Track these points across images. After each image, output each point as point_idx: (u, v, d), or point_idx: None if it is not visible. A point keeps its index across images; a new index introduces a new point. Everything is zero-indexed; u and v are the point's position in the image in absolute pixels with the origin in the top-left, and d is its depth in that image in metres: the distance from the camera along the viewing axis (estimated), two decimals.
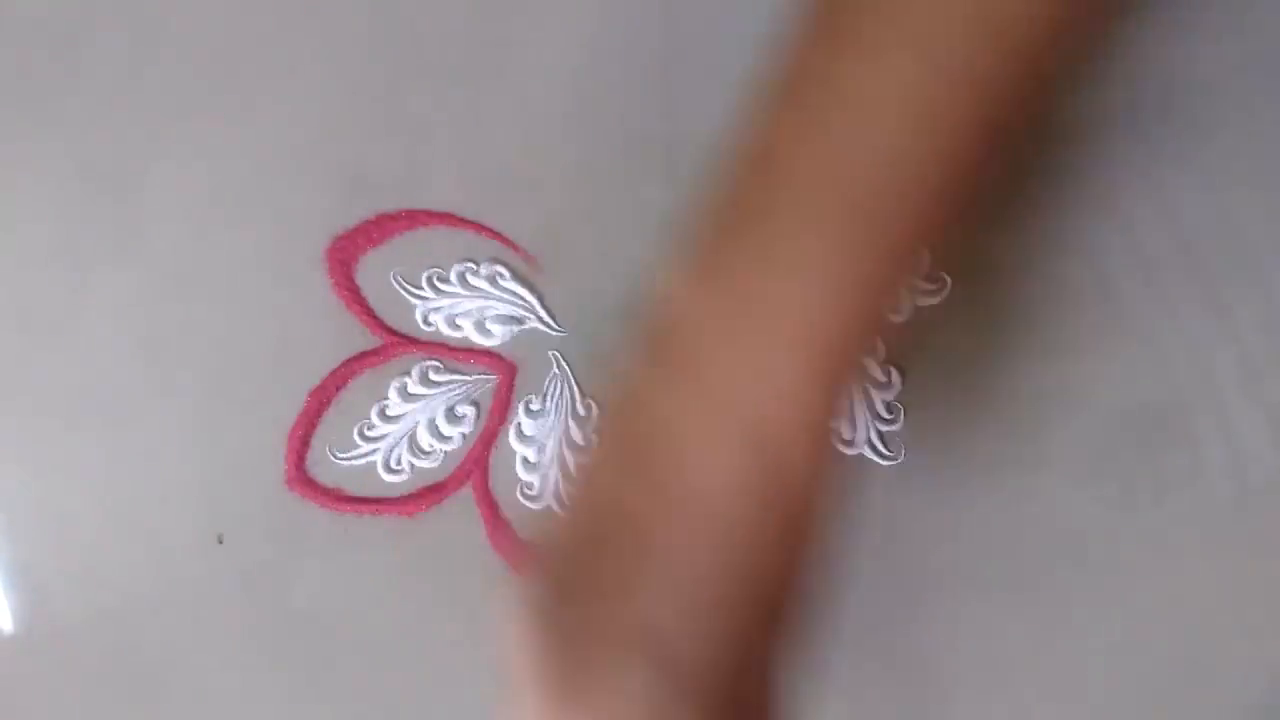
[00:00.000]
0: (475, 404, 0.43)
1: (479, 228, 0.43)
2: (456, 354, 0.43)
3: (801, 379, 0.30)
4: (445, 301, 0.43)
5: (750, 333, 0.30)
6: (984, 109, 0.30)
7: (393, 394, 0.42)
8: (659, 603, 0.30)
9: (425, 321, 0.43)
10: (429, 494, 0.42)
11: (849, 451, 0.43)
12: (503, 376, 0.43)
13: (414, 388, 0.43)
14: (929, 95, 0.30)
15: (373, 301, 0.43)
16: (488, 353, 0.43)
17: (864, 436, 0.43)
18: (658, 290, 0.32)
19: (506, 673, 0.33)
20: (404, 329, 0.43)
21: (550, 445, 0.43)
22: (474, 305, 0.43)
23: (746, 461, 0.30)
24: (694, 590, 0.30)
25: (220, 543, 0.42)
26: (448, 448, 0.42)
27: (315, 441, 0.42)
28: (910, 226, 0.31)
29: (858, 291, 0.30)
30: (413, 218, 0.43)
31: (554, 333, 0.43)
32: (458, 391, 0.43)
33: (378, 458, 0.42)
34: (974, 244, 0.43)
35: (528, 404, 0.43)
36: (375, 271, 0.43)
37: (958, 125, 0.30)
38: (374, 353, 0.43)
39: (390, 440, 0.42)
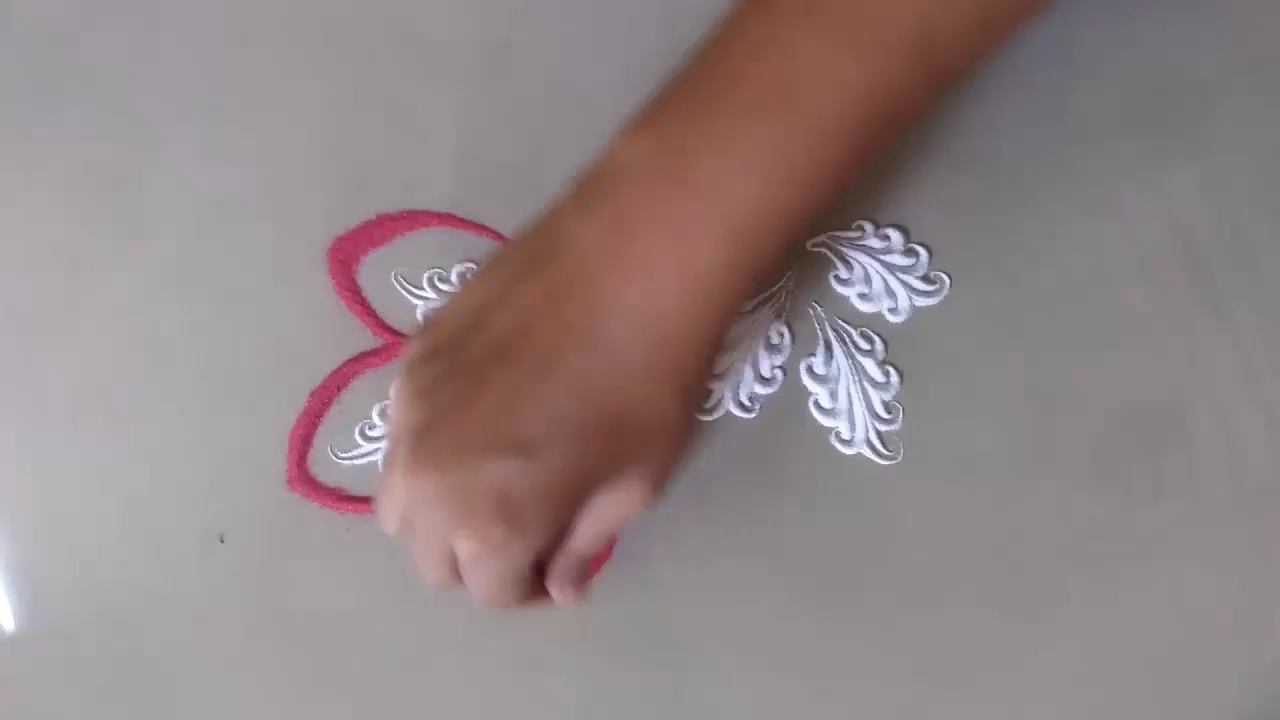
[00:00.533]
0: None
1: (479, 228, 0.43)
2: None
3: (713, 250, 0.33)
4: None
5: (678, 194, 0.33)
6: (928, 53, 0.33)
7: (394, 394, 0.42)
8: (534, 407, 0.33)
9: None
10: None
11: (847, 451, 0.43)
12: None
13: None
14: (880, 38, 0.33)
15: (374, 301, 0.43)
16: None
17: (863, 436, 0.43)
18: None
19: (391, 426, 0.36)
20: (405, 329, 0.43)
21: None
22: None
23: (636, 303, 0.33)
24: (568, 405, 0.33)
25: (221, 542, 0.42)
26: None
27: (316, 441, 0.42)
28: (847, 145, 0.33)
29: (786, 189, 0.33)
30: (413, 218, 0.43)
31: None
32: None
33: (379, 457, 0.42)
34: (974, 244, 0.44)
35: None
36: (376, 271, 0.43)
37: (900, 66, 0.33)
38: (375, 353, 0.43)
39: None
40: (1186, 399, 0.43)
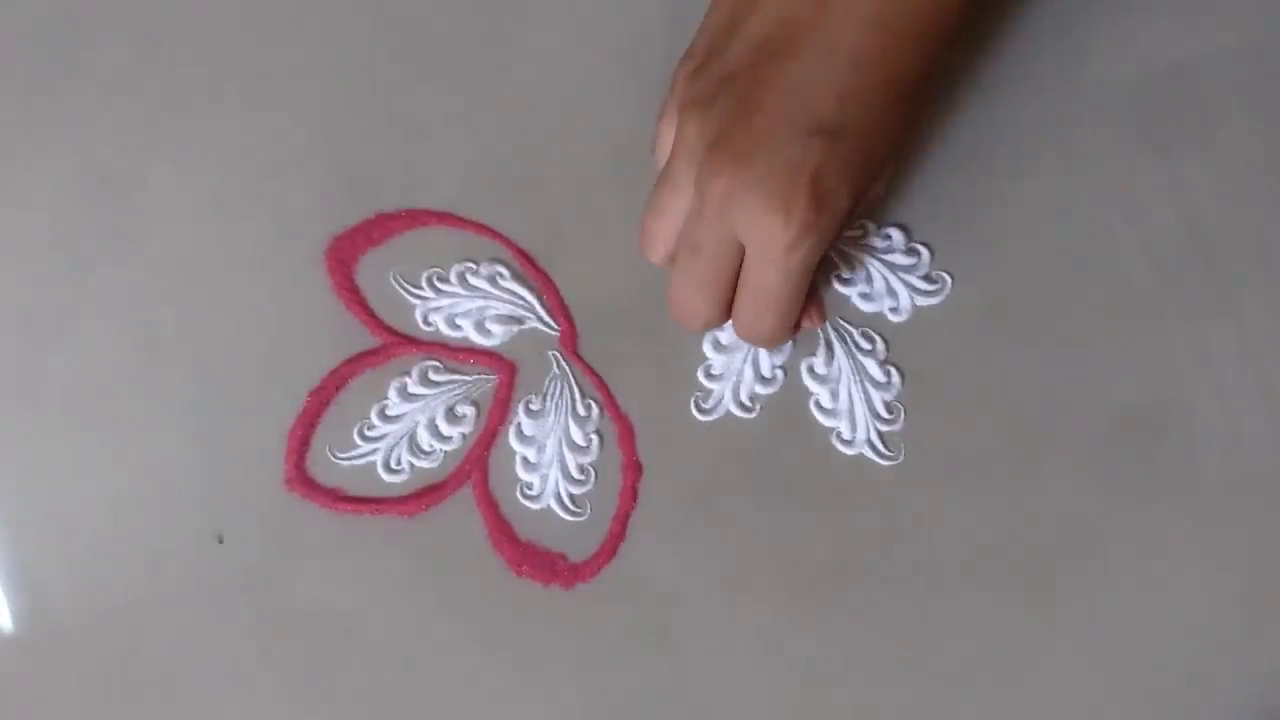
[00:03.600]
0: (475, 404, 0.43)
1: (479, 228, 0.43)
2: (456, 354, 0.43)
3: None
4: (445, 301, 0.43)
5: None
6: None
7: (392, 394, 0.42)
8: (822, 88, 0.35)
9: (425, 321, 0.43)
10: (429, 494, 0.42)
11: (848, 452, 0.43)
12: (502, 376, 0.43)
13: (414, 388, 0.43)
14: None
15: (372, 301, 0.43)
16: (487, 353, 0.43)
17: (863, 436, 0.43)
18: None
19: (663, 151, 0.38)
20: (404, 329, 0.43)
21: (550, 445, 0.43)
22: (474, 305, 0.43)
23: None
24: (854, 80, 0.35)
25: (220, 543, 0.42)
26: (447, 448, 0.42)
27: (315, 441, 0.42)
28: None
29: None
30: (413, 218, 0.43)
31: (553, 332, 0.43)
32: (457, 391, 0.43)
33: (377, 458, 0.42)
34: (975, 243, 0.43)
35: (527, 404, 0.43)
36: (375, 271, 0.43)
37: None
38: (374, 353, 0.43)
39: (390, 440, 0.42)
40: (1189, 397, 0.43)
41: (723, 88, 0.36)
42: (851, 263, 0.43)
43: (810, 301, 0.40)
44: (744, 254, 0.37)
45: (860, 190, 0.36)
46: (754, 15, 0.36)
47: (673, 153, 0.38)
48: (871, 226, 0.43)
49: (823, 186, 0.35)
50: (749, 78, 0.36)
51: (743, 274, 0.38)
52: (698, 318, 0.39)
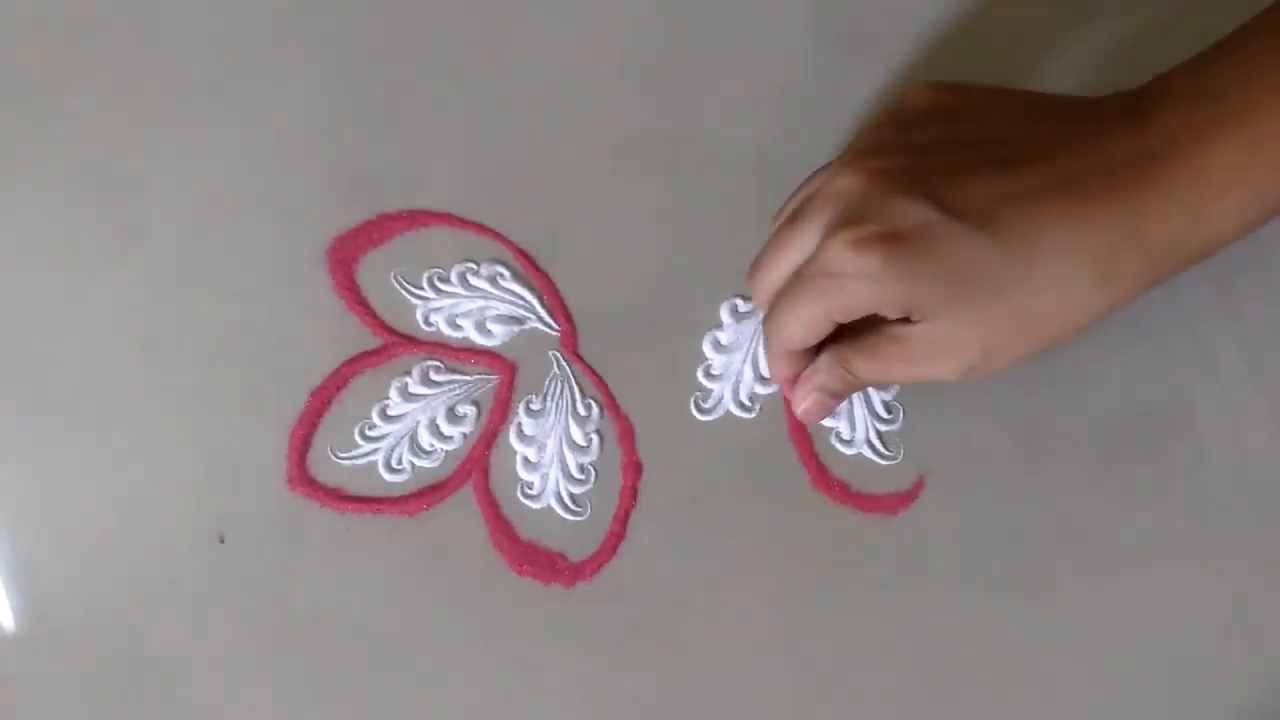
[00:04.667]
0: (476, 403, 0.43)
1: (479, 228, 0.43)
2: (457, 354, 0.43)
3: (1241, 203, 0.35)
4: (446, 301, 0.43)
5: (1219, 136, 0.35)
6: None
7: (393, 394, 0.42)
8: (985, 191, 0.35)
9: (426, 321, 0.43)
10: (430, 493, 0.42)
11: (848, 452, 0.43)
12: (503, 376, 0.43)
13: (415, 387, 0.43)
14: None
15: (373, 301, 0.43)
16: (488, 352, 0.43)
17: (863, 436, 0.43)
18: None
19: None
20: (405, 329, 0.43)
21: (550, 445, 0.43)
22: (474, 305, 0.43)
23: (1183, 191, 0.35)
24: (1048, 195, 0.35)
25: (221, 542, 0.42)
26: (448, 447, 0.42)
27: (316, 441, 0.42)
28: None
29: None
30: (413, 218, 0.43)
31: (554, 332, 0.43)
32: (458, 391, 0.43)
33: (379, 457, 0.42)
34: None
35: (528, 403, 0.43)
36: (376, 272, 0.43)
37: None
38: (375, 353, 0.43)
39: (391, 440, 0.42)
40: (1191, 395, 0.43)
41: (926, 130, 0.37)
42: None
43: (813, 390, 0.39)
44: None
45: (922, 289, 0.35)
46: (970, 122, 0.37)
47: (819, 194, 0.37)
48: None
49: (901, 248, 0.35)
50: (950, 145, 0.36)
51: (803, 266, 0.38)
52: (760, 283, 0.39)
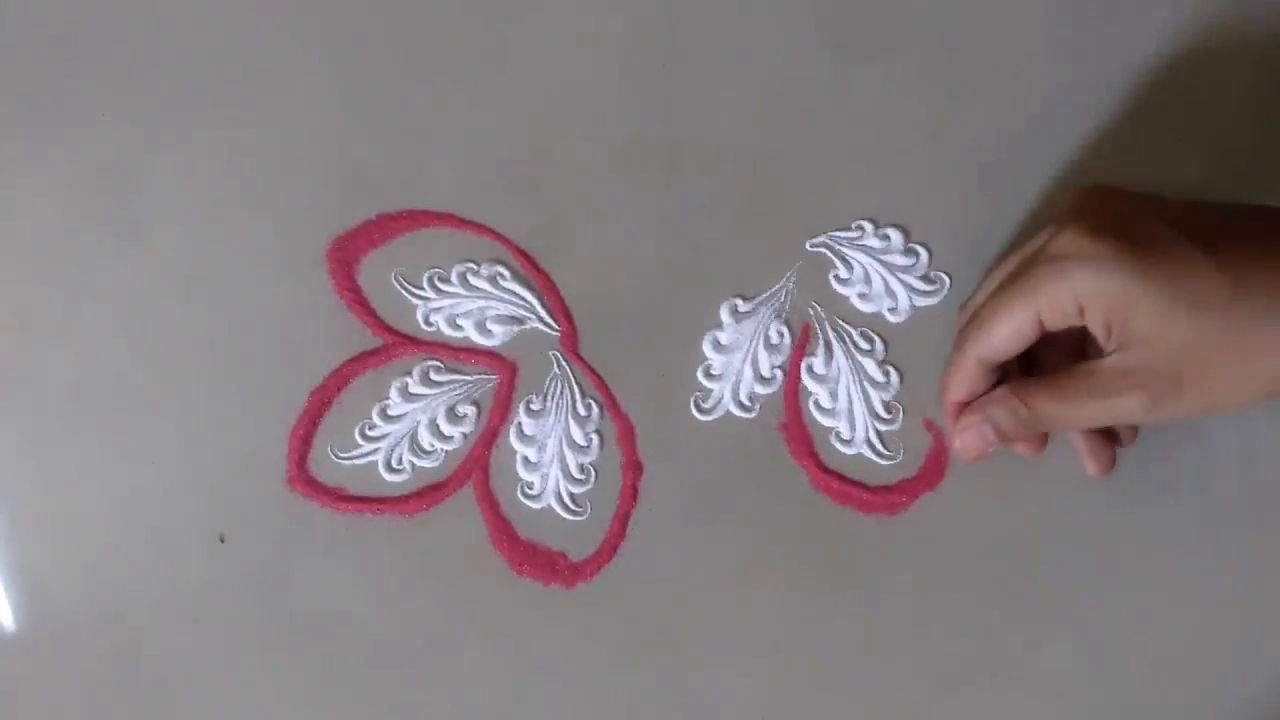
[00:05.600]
0: (476, 403, 0.43)
1: (479, 228, 0.43)
2: (457, 354, 0.43)
3: None
4: (446, 302, 0.43)
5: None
6: None
7: (394, 393, 0.42)
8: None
9: (426, 322, 0.43)
10: (430, 493, 0.42)
11: (848, 451, 0.43)
12: (503, 376, 0.43)
13: (415, 387, 0.43)
14: None
15: (374, 301, 0.43)
16: (488, 352, 0.43)
17: (863, 436, 0.43)
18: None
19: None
20: (405, 329, 0.43)
21: (550, 445, 0.43)
22: (475, 305, 0.43)
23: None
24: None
25: (221, 542, 0.42)
26: (448, 447, 0.42)
27: (316, 441, 0.42)
28: None
29: None
30: (414, 218, 0.43)
31: (554, 332, 0.43)
32: (458, 391, 0.43)
33: (379, 457, 0.42)
34: (973, 244, 0.44)
35: (528, 403, 0.43)
36: (376, 272, 0.43)
37: None
38: (375, 353, 0.43)
39: (391, 440, 0.42)
40: None
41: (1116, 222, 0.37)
42: (850, 264, 0.43)
43: (980, 422, 0.40)
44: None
45: (1141, 288, 0.35)
46: (1193, 214, 0.37)
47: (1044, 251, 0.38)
48: (870, 227, 0.44)
49: (1135, 242, 0.35)
50: (1147, 227, 0.36)
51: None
52: (994, 334, 0.38)
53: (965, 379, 0.39)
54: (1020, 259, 0.39)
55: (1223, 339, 0.35)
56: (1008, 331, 0.38)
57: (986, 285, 0.40)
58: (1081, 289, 0.36)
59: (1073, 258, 0.36)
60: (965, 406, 0.40)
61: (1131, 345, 0.36)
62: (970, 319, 0.39)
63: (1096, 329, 0.37)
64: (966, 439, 0.40)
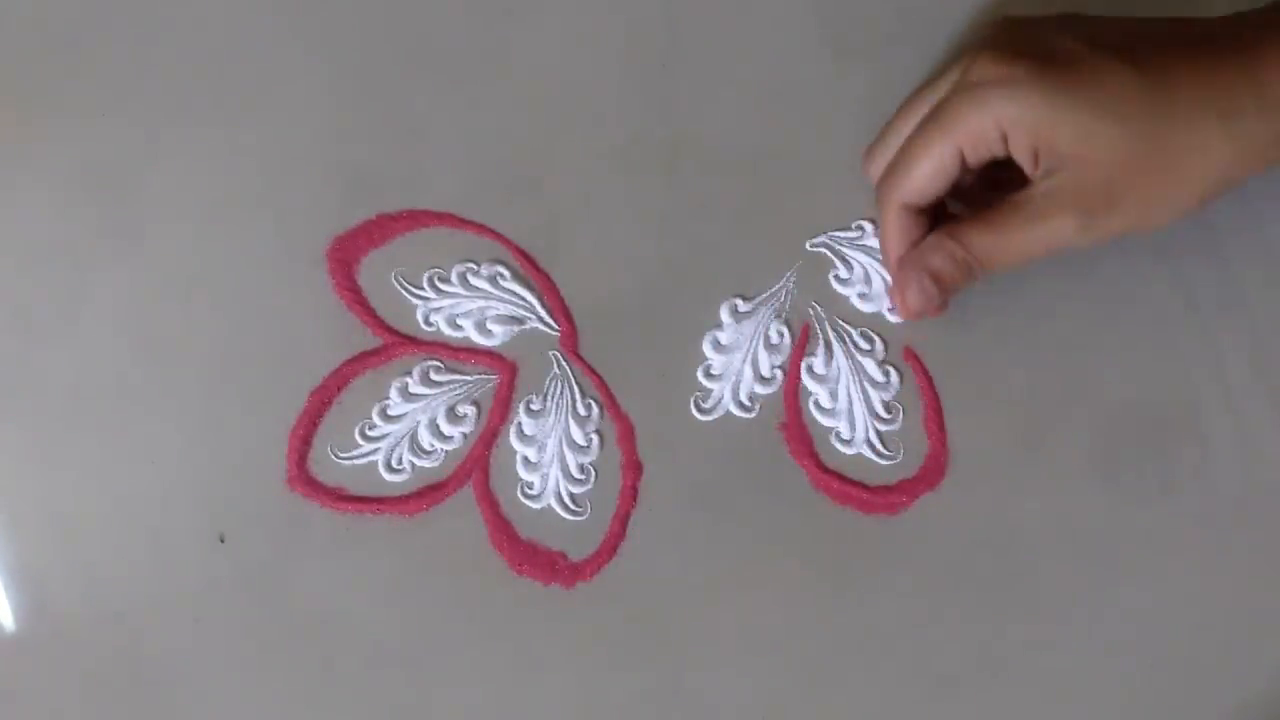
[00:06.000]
0: (476, 403, 0.43)
1: (479, 228, 0.43)
2: (457, 354, 0.43)
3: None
4: (446, 302, 0.43)
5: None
6: None
7: (394, 393, 0.42)
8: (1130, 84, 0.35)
9: (426, 321, 0.43)
10: (430, 493, 0.42)
11: (848, 451, 0.43)
12: (503, 376, 0.43)
13: (415, 387, 0.43)
14: None
15: (374, 301, 0.43)
16: (488, 352, 0.43)
17: (863, 436, 0.43)
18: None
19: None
20: (405, 329, 0.43)
21: (550, 445, 0.43)
22: (475, 305, 0.43)
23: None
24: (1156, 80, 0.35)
25: (222, 542, 0.42)
26: (448, 447, 0.42)
27: (316, 441, 0.42)
28: None
29: None
30: (414, 218, 0.43)
31: (554, 332, 0.43)
32: (458, 391, 0.43)
33: (379, 457, 0.42)
34: None
35: (528, 403, 0.43)
36: (376, 272, 0.43)
37: None
38: (375, 353, 0.43)
39: (391, 440, 0.42)
40: (1191, 397, 0.43)
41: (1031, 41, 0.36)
42: (850, 264, 0.43)
43: (920, 273, 0.38)
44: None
45: (1059, 102, 0.35)
46: (1107, 27, 0.36)
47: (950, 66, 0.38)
48: (870, 227, 0.44)
49: (1049, 65, 0.34)
50: (1062, 44, 0.36)
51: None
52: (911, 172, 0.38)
53: (898, 232, 0.38)
54: (934, 94, 0.38)
55: (1150, 146, 0.35)
56: (930, 170, 0.37)
57: (896, 125, 0.39)
58: (1003, 114, 0.35)
59: (990, 84, 0.35)
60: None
61: (1061, 167, 0.35)
62: (889, 165, 0.38)
63: (1022, 156, 0.36)
64: (909, 295, 0.39)
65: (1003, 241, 0.37)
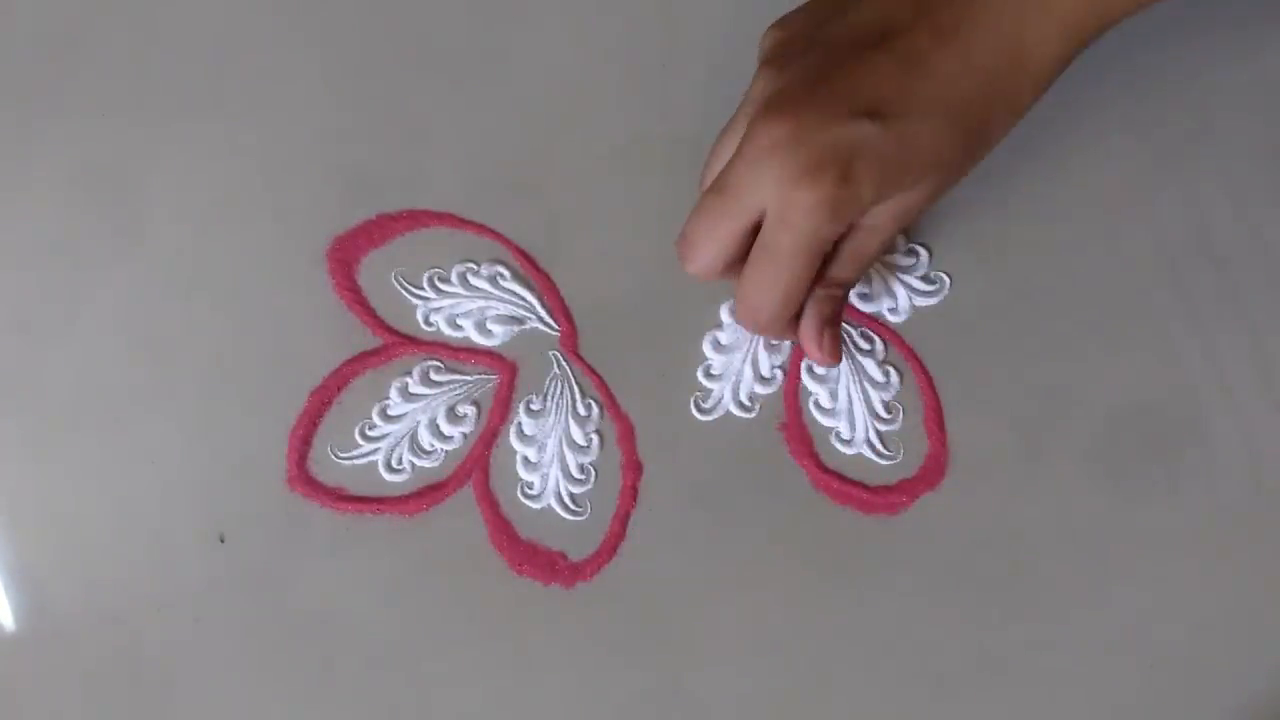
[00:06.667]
0: (476, 403, 0.43)
1: (479, 228, 0.43)
2: (457, 354, 0.43)
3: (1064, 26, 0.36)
4: (446, 302, 0.43)
5: None
6: None
7: (394, 393, 0.43)
8: (899, 86, 0.35)
9: (426, 321, 0.43)
10: (430, 493, 0.42)
11: (848, 452, 0.43)
12: (503, 376, 0.43)
13: (415, 387, 0.43)
14: None
15: (374, 301, 0.43)
16: (488, 352, 0.43)
17: (863, 436, 0.43)
18: None
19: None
20: (405, 329, 0.43)
21: (550, 445, 0.43)
22: (475, 305, 0.43)
23: (1007, 28, 0.36)
24: (922, 84, 0.35)
25: (221, 542, 0.42)
26: (448, 447, 0.42)
27: (316, 441, 0.42)
28: None
29: None
30: (414, 218, 0.43)
31: (554, 332, 0.43)
32: (458, 391, 0.43)
33: (379, 457, 0.42)
34: (974, 244, 0.44)
35: (528, 403, 0.43)
36: (376, 272, 0.43)
37: None
38: (375, 353, 0.43)
39: (391, 440, 0.42)
40: (1202, 397, 0.43)
41: (804, 55, 0.36)
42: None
43: (824, 326, 0.38)
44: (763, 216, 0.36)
45: (888, 183, 0.35)
46: (861, 9, 0.36)
47: (740, 104, 0.38)
48: None
49: (854, 167, 0.35)
50: (830, 56, 0.36)
51: (758, 238, 0.37)
52: (705, 257, 0.37)
53: (786, 328, 0.38)
54: (735, 134, 0.38)
55: (960, 76, 0.36)
56: (716, 252, 0.37)
57: (718, 154, 0.39)
58: (838, 232, 0.36)
59: (770, 149, 0.35)
60: (793, 321, 0.39)
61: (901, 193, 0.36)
62: (679, 240, 0.38)
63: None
64: (824, 344, 0.38)
65: (860, 256, 0.38)
